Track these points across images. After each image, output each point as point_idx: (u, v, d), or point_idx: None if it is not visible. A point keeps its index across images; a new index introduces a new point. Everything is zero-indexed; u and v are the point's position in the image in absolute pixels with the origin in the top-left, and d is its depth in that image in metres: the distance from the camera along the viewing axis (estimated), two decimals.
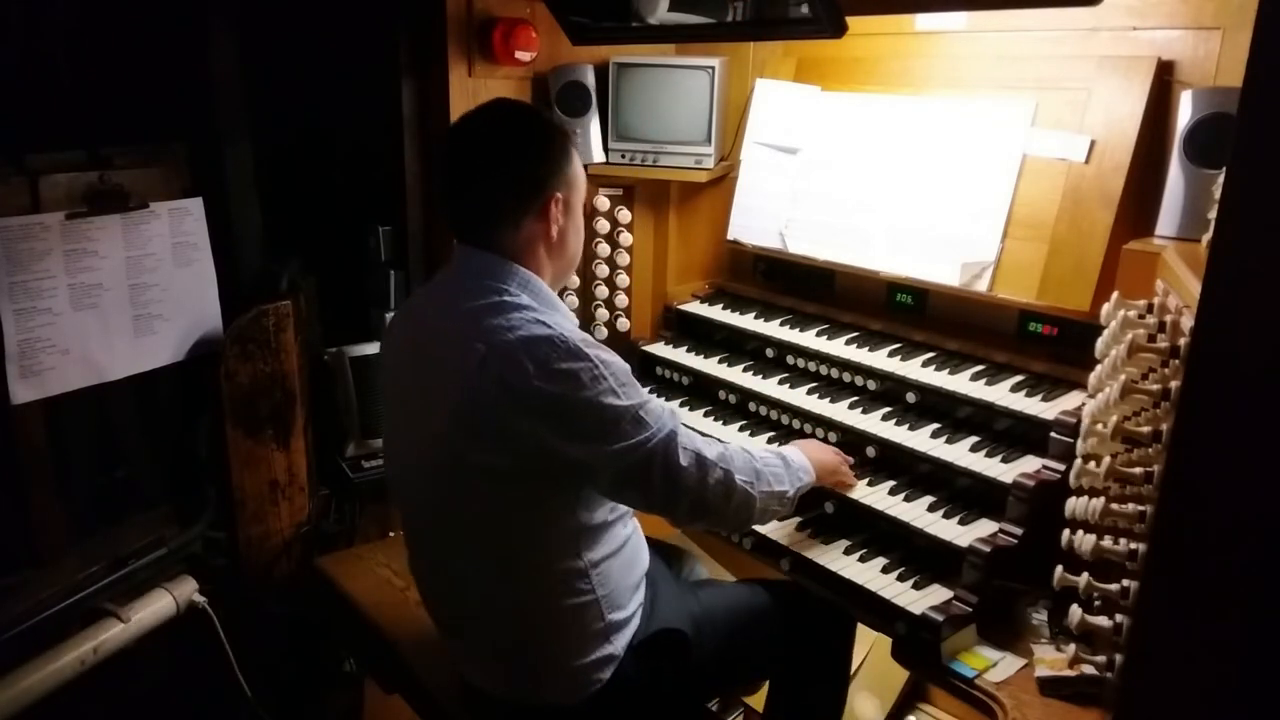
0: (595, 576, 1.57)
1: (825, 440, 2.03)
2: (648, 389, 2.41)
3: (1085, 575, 1.38)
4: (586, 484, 1.52)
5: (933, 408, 1.97)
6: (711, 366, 2.34)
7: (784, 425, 2.15)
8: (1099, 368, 1.49)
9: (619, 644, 1.61)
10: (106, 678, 2.06)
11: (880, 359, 2.07)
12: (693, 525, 1.91)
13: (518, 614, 1.57)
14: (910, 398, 2.00)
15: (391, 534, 2.56)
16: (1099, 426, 1.42)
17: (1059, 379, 1.88)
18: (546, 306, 1.53)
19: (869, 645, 2.36)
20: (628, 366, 1.51)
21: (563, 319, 1.53)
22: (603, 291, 2.67)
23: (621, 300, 2.68)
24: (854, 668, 2.34)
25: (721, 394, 2.30)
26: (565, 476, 1.49)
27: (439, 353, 1.53)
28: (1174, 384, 1.22)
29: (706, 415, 2.27)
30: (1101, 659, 1.37)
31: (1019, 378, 1.92)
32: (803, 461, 1.76)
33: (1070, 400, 1.80)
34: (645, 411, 1.48)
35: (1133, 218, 1.80)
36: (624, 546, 1.64)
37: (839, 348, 2.15)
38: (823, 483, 1.84)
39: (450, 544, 1.60)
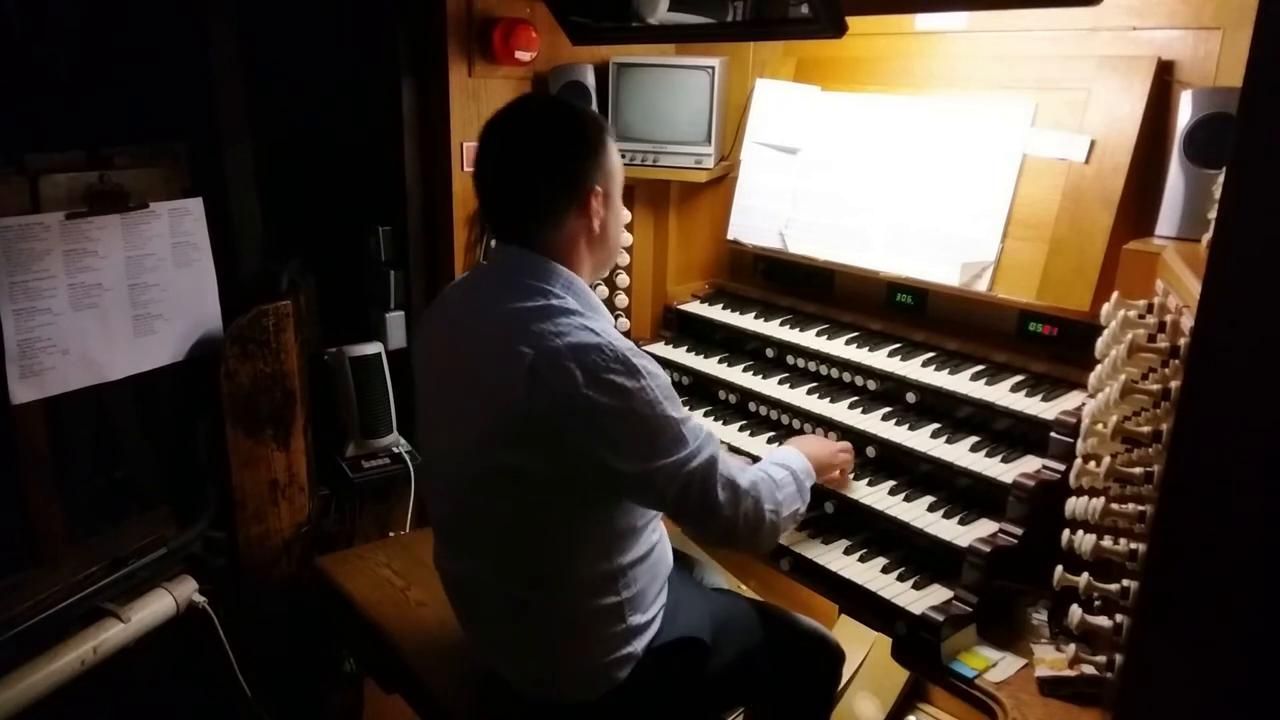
0: (624, 580, 1.57)
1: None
2: None
3: (1085, 575, 1.38)
4: (622, 494, 1.52)
5: (933, 408, 1.97)
6: (711, 366, 2.34)
7: (784, 425, 2.15)
8: (1099, 368, 1.49)
9: (639, 645, 1.62)
10: (106, 678, 2.06)
11: (880, 359, 2.07)
12: (715, 546, 1.93)
13: (544, 612, 1.57)
14: (910, 398, 2.00)
15: (391, 534, 2.56)
16: (1099, 426, 1.43)
17: (1059, 379, 1.88)
18: (591, 310, 1.52)
19: (869, 645, 2.36)
20: (669, 379, 1.51)
21: (607, 324, 1.52)
22: (603, 291, 2.67)
23: (621, 300, 2.68)
24: (854, 669, 2.35)
25: (721, 394, 2.30)
26: (603, 485, 1.48)
27: (482, 354, 1.51)
28: (1174, 384, 1.22)
29: (706, 415, 2.27)
30: (1101, 659, 1.37)
31: (1019, 378, 1.92)
32: (805, 465, 1.77)
33: (1070, 400, 1.80)
34: (686, 430, 1.48)
35: (1133, 218, 1.80)
36: (652, 551, 1.64)
37: (839, 348, 2.15)
38: (824, 476, 1.85)
39: (483, 542, 1.60)
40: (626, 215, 2.58)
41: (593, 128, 1.56)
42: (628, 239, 2.62)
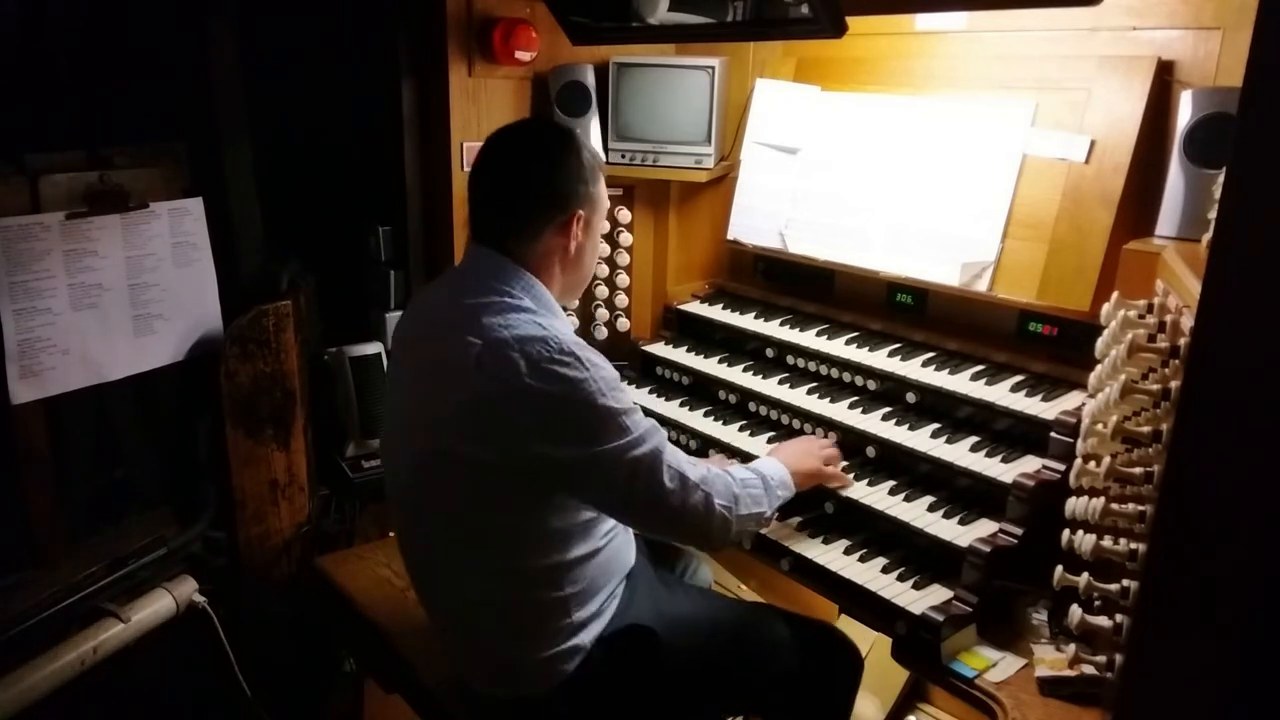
0: (569, 576, 1.59)
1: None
2: (648, 389, 2.43)
3: (1085, 575, 1.38)
4: (566, 486, 1.53)
5: (933, 408, 1.97)
6: (711, 366, 2.34)
7: (784, 425, 2.15)
8: (1099, 368, 1.49)
9: (586, 638, 1.64)
10: (106, 678, 2.06)
11: (880, 359, 2.07)
12: (664, 539, 1.92)
13: (491, 607, 1.60)
14: (910, 398, 2.00)
15: (391, 534, 2.56)
16: (1099, 426, 1.42)
17: (1059, 379, 1.88)
18: (546, 311, 1.57)
19: (869, 645, 2.36)
20: (617, 374, 1.54)
21: (560, 324, 1.56)
22: (603, 291, 2.67)
23: (621, 300, 2.68)
24: None
25: (721, 394, 2.30)
26: (547, 476, 1.51)
27: (436, 346, 1.56)
28: (1174, 384, 1.22)
29: (706, 415, 2.27)
30: (1101, 659, 1.37)
31: (1019, 378, 1.92)
32: (783, 476, 1.78)
33: (1070, 400, 1.80)
34: (629, 420, 1.51)
35: (1133, 218, 1.80)
36: (604, 547, 1.65)
37: (839, 348, 2.15)
38: (809, 485, 1.85)
39: (434, 537, 1.63)
40: (617, 209, 2.59)
41: (587, 157, 1.63)
42: (628, 239, 2.62)
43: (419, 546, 1.70)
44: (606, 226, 2.55)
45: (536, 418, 1.45)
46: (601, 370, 1.49)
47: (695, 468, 1.62)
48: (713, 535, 1.67)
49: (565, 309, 1.74)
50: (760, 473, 1.75)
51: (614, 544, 1.69)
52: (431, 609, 1.75)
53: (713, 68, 2.42)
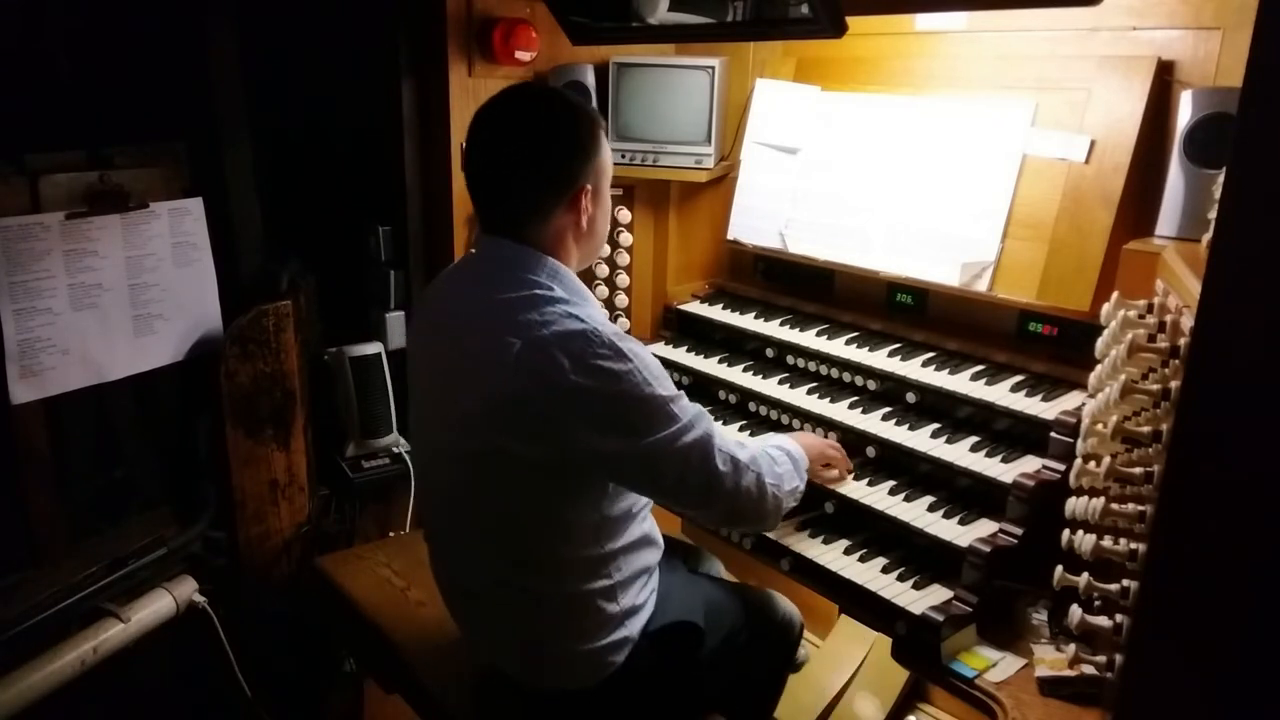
0: (614, 564, 1.58)
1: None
2: None
3: (1085, 575, 1.38)
4: (618, 478, 1.53)
5: (933, 408, 1.97)
6: (711, 366, 2.34)
7: (784, 425, 2.15)
8: (1099, 368, 1.49)
9: (634, 628, 1.63)
10: (106, 678, 2.06)
11: (880, 359, 2.07)
12: (721, 526, 1.93)
13: (536, 599, 1.58)
14: (910, 398, 2.00)
15: (391, 534, 2.56)
16: (1099, 426, 1.43)
17: (1059, 379, 1.88)
18: (578, 298, 1.54)
19: (869, 645, 2.36)
20: (659, 361, 1.53)
21: (595, 310, 1.53)
22: (603, 291, 2.67)
23: (621, 300, 2.68)
24: (854, 669, 2.35)
25: (721, 394, 2.30)
26: (596, 470, 1.50)
27: (470, 344, 1.52)
28: (1174, 384, 1.22)
29: None
30: (1101, 659, 1.37)
31: (1019, 378, 1.92)
32: (798, 450, 1.80)
33: (1070, 400, 1.80)
34: (677, 407, 1.50)
35: (1133, 218, 1.80)
36: (640, 540, 1.65)
37: (839, 348, 2.15)
38: (814, 465, 1.85)
39: (473, 531, 1.61)
40: (618, 209, 2.59)
41: (586, 125, 1.56)
42: (628, 239, 2.62)
43: (456, 541, 1.68)
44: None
45: (584, 414, 1.43)
46: (644, 359, 1.47)
47: (743, 449, 1.62)
48: (767, 515, 1.68)
49: None
50: (782, 448, 1.77)
51: (649, 536, 1.69)
52: (462, 603, 1.73)
53: (713, 68, 2.42)
